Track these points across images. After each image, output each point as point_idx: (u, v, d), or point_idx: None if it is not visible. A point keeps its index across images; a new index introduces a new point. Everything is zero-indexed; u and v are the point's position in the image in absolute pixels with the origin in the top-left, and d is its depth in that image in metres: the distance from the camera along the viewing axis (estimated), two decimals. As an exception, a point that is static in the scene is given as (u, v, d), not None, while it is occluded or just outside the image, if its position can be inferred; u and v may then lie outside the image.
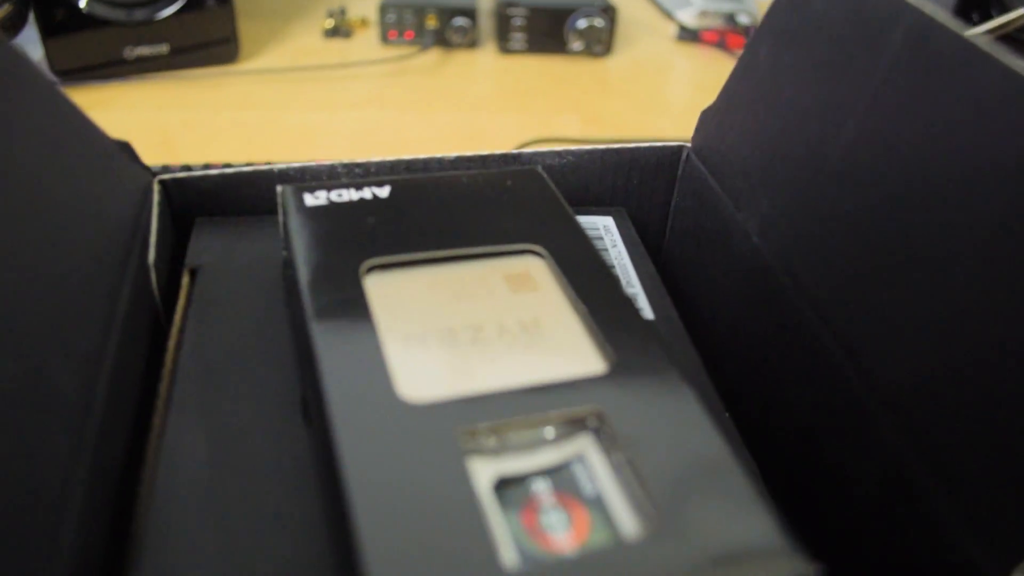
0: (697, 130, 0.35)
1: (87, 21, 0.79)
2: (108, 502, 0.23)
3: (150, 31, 0.81)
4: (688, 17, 0.97)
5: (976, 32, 0.69)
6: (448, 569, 0.18)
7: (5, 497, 0.18)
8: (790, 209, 0.29)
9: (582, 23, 0.87)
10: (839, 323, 0.26)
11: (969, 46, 0.22)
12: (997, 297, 0.21)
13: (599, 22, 0.87)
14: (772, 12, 0.31)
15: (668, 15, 1.01)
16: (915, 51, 0.24)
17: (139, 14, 0.80)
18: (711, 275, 0.34)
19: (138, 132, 0.72)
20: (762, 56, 0.31)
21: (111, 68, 0.81)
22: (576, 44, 0.89)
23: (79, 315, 0.24)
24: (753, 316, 0.31)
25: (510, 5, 0.87)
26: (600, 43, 0.89)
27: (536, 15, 0.88)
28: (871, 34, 0.26)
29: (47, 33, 0.78)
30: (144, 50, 0.81)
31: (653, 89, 0.84)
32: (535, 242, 0.28)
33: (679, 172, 0.37)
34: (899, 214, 0.24)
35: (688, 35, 0.94)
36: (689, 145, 0.36)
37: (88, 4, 0.78)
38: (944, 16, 0.23)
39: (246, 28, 0.91)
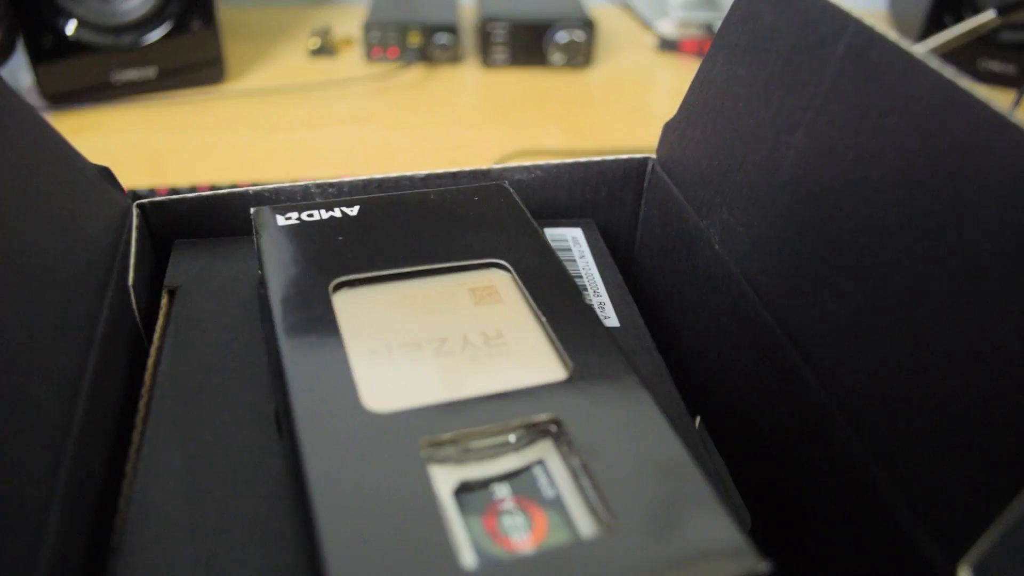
0: (661, 142, 0.36)
1: (75, 47, 0.80)
2: (88, 515, 0.24)
3: (137, 55, 0.82)
4: (667, 27, 0.98)
5: (949, 35, 0.70)
6: (408, 572, 0.18)
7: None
8: (747, 217, 0.30)
9: (562, 36, 0.89)
10: (796, 329, 0.27)
11: (906, 56, 0.23)
12: (940, 300, 0.22)
13: (579, 35, 0.89)
14: (725, 27, 0.32)
15: (647, 26, 1.02)
16: (857, 62, 0.25)
17: (126, 39, 0.81)
18: (678, 283, 0.35)
19: (127, 155, 0.73)
20: (717, 69, 0.32)
21: (100, 92, 0.82)
22: (557, 57, 0.90)
23: (59, 335, 0.25)
24: (717, 322, 0.32)
25: (491, 20, 0.89)
26: (580, 55, 0.90)
27: (517, 30, 0.89)
28: (817, 46, 0.27)
29: (36, 59, 0.79)
30: (132, 74, 0.82)
31: (634, 99, 0.85)
32: (500, 256, 0.29)
33: (645, 183, 0.38)
34: (847, 221, 0.25)
35: (667, 45, 0.96)
36: (654, 157, 0.37)
37: (76, 31, 0.79)
38: (883, 27, 0.24)
39: (232, 49, 0.92)
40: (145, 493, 0.24)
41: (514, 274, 0.28)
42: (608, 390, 0.24)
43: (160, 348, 0.29)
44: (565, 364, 0.25)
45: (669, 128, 0.36)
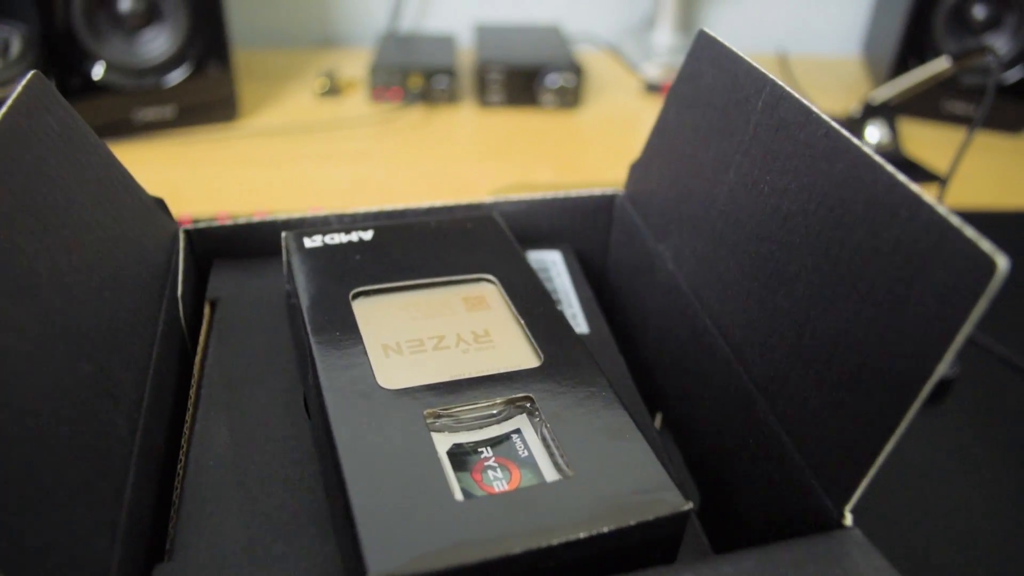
0: (627, 180, 0.43)
1: (101, 87, 0.86)
2: (154, 475, 0.30)
3: (158, 95, 0.88)
4: (652, 71, 1.05)
5: (908, 80, 0.76)
6: (414, 503, 0.24)
7: (87, 464, 0.25)
8: (693, 241, 0.36)
9: (553, 80, 0.95)
10: (728, 330, 0.33)
11: (805, 110, 0.29)
12: (828, 300, 0.27)
13: (569, 78, 0.95)
14: (676, 83, 0.38)
15: (633, 70, 1.09)
16: (771, 114, 0.31)
17: (149, 81, 0.88)
18: (640, 297, 0.41)
19: (148, 188, 0.79)
20: (671, 119, 0.38)
21: (121, 129, 0.88)
22: (548, 98, 0.97)
23: (131, 331, 0.31)
24: (671, 328, 0.38)
25: (488, 64, 0.95)
26: (570, 97, 0.97)
27: (511, 73, 0.96)
28: (743, 102, 0.33)
29: (64, 98, 0.85)
30: (152, 112, 0.89)
31: (620, 138, 0.92)
32: (488, 272, 0.35)
33: (614, 214, 0.44)
34: (764, 241, 0.31)
35: (653, 88, 1.02)
36: (621, 192, 0.43)
37: (103, 75, 0.85)
38: (789, 88, 0.31)
39: (245, 90, 0.99)
40: (199, 457, 0.30)
41: (499, 286, 0.34)
42: (571, 374, 0.30)
43: (206, 347, 0.35)
44: (538, 355, 0.31)
45: (634, 168, 0.42)
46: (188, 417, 0.32)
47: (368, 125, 0.93)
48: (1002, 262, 0.22)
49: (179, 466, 0.30)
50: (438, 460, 0.26)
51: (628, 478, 0.26)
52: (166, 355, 0.33)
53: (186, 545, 0.27)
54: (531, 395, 0.29)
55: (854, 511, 0.27)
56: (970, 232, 0.22)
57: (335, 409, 0.27)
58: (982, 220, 0.80)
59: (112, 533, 0.25)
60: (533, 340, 0.31)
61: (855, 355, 0.26)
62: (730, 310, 0.33)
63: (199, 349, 0.35)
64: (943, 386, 0.58)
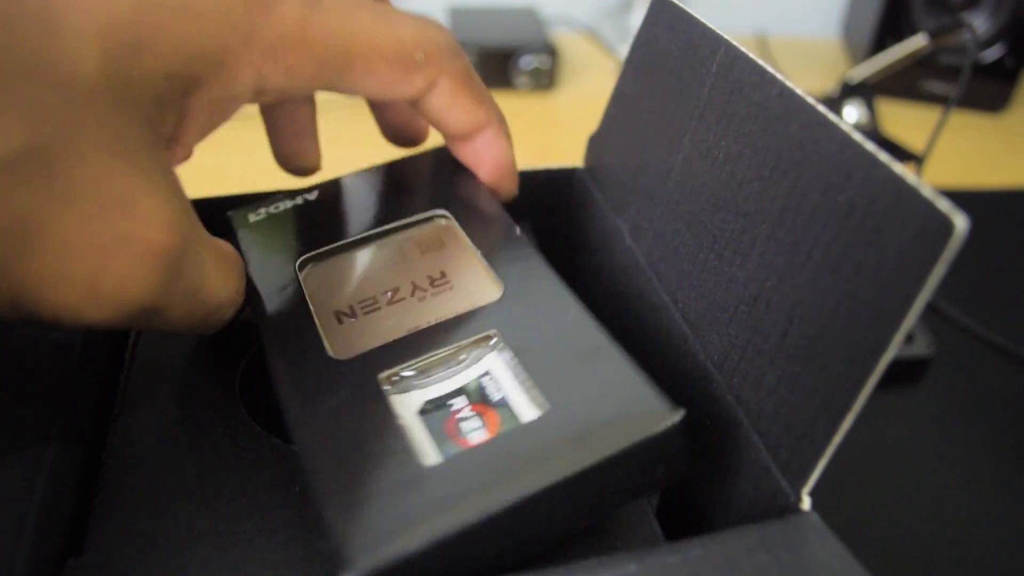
0: (586, 154, 0.41)
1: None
2: (76, 467, 0.28)
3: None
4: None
5: (886, 58, 0.75)
6: (382, 484, 0.22)
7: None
8: (650, 213, 0.34)
9: (528, 62, 0.94)
10: (684, 305, 0.31)
11: (759, 70, 0.28)
12: (782, 270, 0.26)
13: (543, 60, 0.94)
14: (632, 50, 0.36)
15: (610, 52, 1.08)
16: (726, 77, 0.30)
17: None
18: (600, 275, 0.39)
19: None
20: (627, 87, 0.37)
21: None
22: (523, 81, 0.95)
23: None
24: (630, 306, 0.36)
25: (460, 46, 0.94)
26: (545, 79, 0.95)
27: (485, 55, 0.94)
28: (697, 65, 0.31)
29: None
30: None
31: (595, 120, 0.90)
32: (443, 207, 0.33)
33: (573, 189, 0.42)
34: (718, 211, 0.29)
35: (628, 69, 1.01)
36: (581, 166, 0.42)
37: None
38: (744, 48, 0.29)
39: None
40: (121, 450, 0.28)
41: (453, 221, 0.33)
42: (536, 299, 0.28)
43: (136, 336, 0.33)
44: (499, 285, 0.29)
45: (592, 140, 0.41)
46: (115, 409, 0.30)
47: (338, 109, 0.91)
48: (960, 222, 0.20)
49: (104, 457, 0.28)
50: (401, 428, 0.24)
51: (608, 401, 0.24)
52: (93, 343, 0.32)
53: (101, 539, 0.25)
54: (495, 331, 0.27)
55: (819, 494, 0.25)
56: (927, 191, 0.21)
57: (286, 393, 0.25)
58: (961, 198, 0.78)
59: (20, 525, 0.24)
60: (491, 270, 0.30)
61: (811, 327, 0.24)
62: (687, 285, 0.31)
63: (128, 346, 0.33)
64: (920, 365, 0.56)
